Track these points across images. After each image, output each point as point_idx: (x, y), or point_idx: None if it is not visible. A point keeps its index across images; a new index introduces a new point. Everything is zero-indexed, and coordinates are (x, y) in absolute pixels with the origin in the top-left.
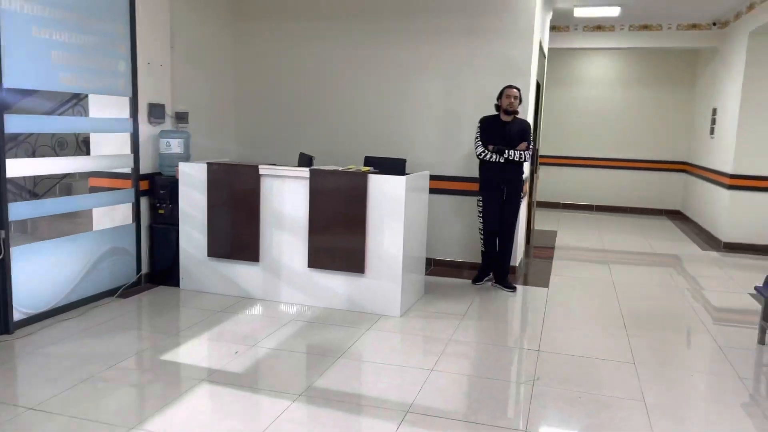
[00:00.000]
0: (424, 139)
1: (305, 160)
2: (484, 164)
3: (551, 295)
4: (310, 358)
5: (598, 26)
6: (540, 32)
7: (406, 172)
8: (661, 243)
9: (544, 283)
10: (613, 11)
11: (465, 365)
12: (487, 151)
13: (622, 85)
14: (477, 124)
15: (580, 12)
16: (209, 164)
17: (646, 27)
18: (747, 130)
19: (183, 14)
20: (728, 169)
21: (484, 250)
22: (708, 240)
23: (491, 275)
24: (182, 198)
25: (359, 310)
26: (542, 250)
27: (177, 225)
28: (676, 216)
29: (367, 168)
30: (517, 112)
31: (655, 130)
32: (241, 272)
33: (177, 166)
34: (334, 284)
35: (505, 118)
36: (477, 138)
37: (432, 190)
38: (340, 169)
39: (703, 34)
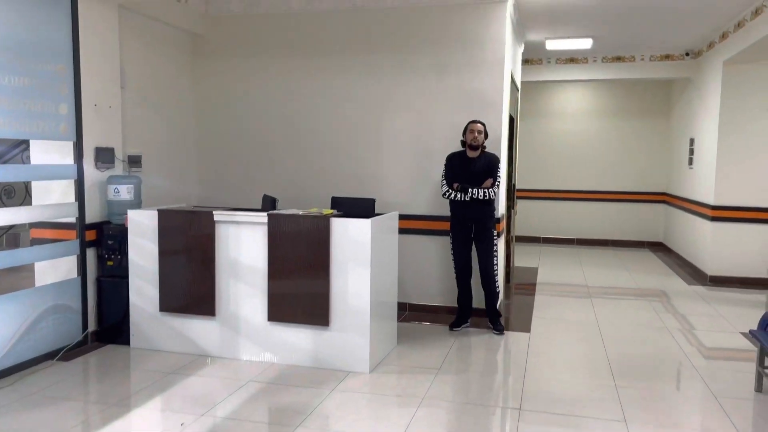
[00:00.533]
0: (394, 177)
1: (269, 203)
2: (451, 203)
3: (533, 341)
4: (269, 427)
5: (571, 59)
6: (511, 65)
7: (376, 211)
8: (645, 277)
9: (526, 326)
10: (585, 43)
11: (439, 430)
12: (451, 190)
13: (598, 116)
14: (444, 162)
15: (552, 45)
16: (160, 211)
17: (618, 58)
18: (726, 160)
19: (136, 52)
20: (710, 200)
21: (458, 290)
22: (693, 273)
23: (469, 322)
24: (132, 248)
25: (325, 366)
26: (523, 288)
27: (127, 277)
28: (659, 248)
29: (329, 210)
30: (483, 147)
31: (634, 161)
32: (196, 328)
33: (126, 213)
34: (297, 339)
35: (471, 153)
36: (443, 176)
37: (404, 230)
38: (301, 212)
39: (677, 64)
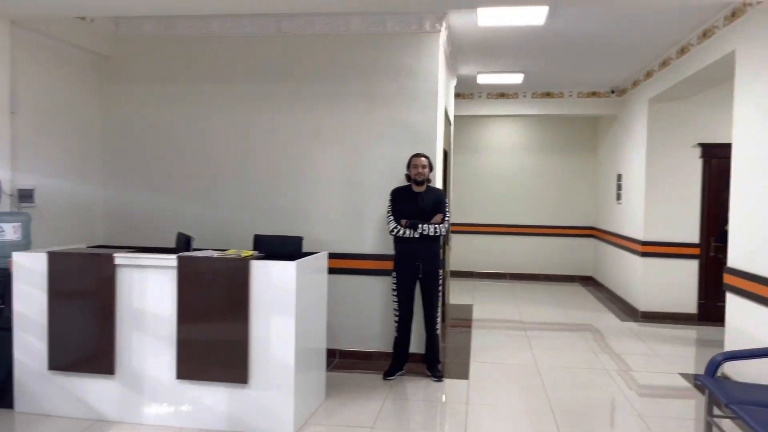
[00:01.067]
0: (324, 213)
1: (183, 242)
2: (397, 240)
3: (473, 389)
4: None
5: (502, 93)
6: (445, 98)
7: (304, 250)
8: (578, 313)
9: (464, 372)
10: (516, 78)
11: None
12: (399, 227)
13: (529, 151)
14: (388, 197)
15: (483, 79)
16: (50, 253)
17: (548, 94)
18: (654, 195)
19: (33, 74)
20: (639, 235)
21: (397, 335)
22: (624, 309)
23: (404, 369)
24: (17, 296)
25: (243, 430)
26: (458, 327)
27: (11, 330)
28: (588, 282)
29: (249, 252)
30: (428, 181)
31: (563, 195)
32: (92, 388)
33: (11, 257)
34: (211, 399)
35: (416, 188)
36: (389, 212)
37: (334, 270)
38: (216, 254)
39: (603, 101)
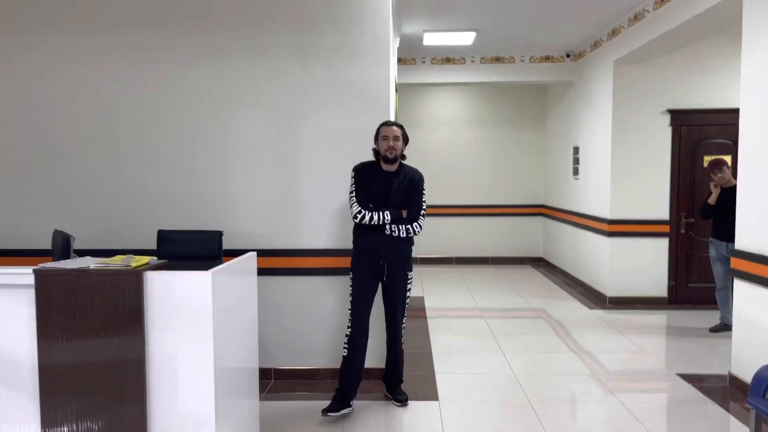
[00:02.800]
0: (249, 201)
1: (59, 243)
2: (359, 231)
3: (447, 415)
4: None
5: (448, 58)
6: (392, 57)
7: (225, 247)
8: (541, 301)
9: (431, 391)
10: (467, 38)
11: None
12: (366, 212)
13: (473, 124)
14: (351, 174)
15: (430, 39)
16: None
17: (498, 59)
18: (621, 169)
19: None
20: (605, 214)
21: (345, 354)
22: (587, 294)
23: (352, 406)
24: None
25: None
26: (414, 325)
27: None
28: (540, 263)
29: (144, 259)
30: (401, 158)
31: (509, 172)
32: None
33: None
34: None
35: (386, 167)
36: (352, 193)
37: (265, 271)
38: (93, 265)
39: (557, 67)
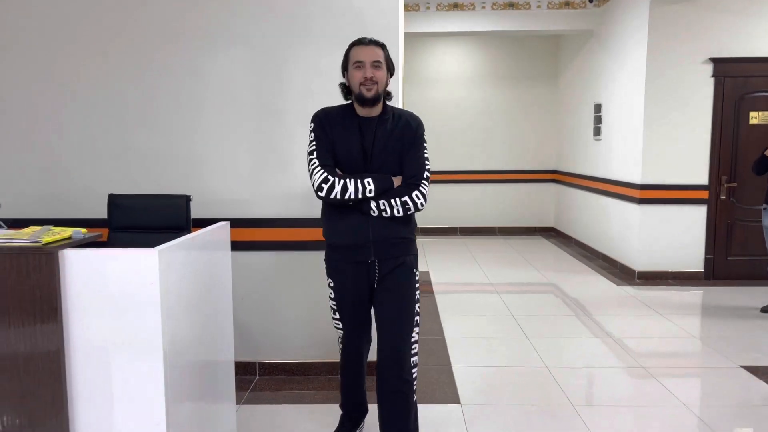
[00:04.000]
0: (223, 159)
1: None
2: (329, 210)
3: (474, 424)
4: None
5: (455, 3)
6: None
7: (195, 216)
8: (559, 276)
9: (450, 391)
10: None
11: None
12: (336, 182)
13: (479, 81)
14: (309, 127)
15: None
16: None
17: (511, 5)
18: (656, 128)
19: None
20: (635, 178)
21: (341, 376)
22: (610, 267)
23: (363, 424)
24: None
25: None
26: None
27: None
28: (551, 234)
29: (64, 233)
30: (387, 97)
31: (519, 134)
32: None
33: None
34: None
35: (363, 111)
36: (311, 155)
37: (245, 245)
38: None
39: (578, 13)
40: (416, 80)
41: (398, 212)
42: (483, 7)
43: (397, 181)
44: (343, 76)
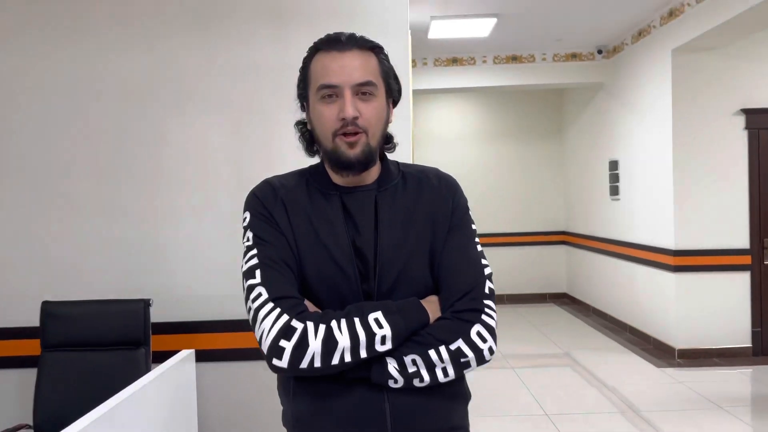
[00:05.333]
0: (195, 246)
1: None
2: (299, 382)
3: None
4: None
5: (455, 59)
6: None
7: (157, 320)
8: (586, 354)
9: None
10: (485, 26)
11: None
12: (307, 327)
13: (481, 138)
14: (243, 218)
15: (438, 29)
16: None
17: (514, 58)
18: (685, 185)
19: None
20: (667, 243)
21: None
22: (641, 342)
23: None
24: None
25: None
26: None
27: None
28: (564, 300)
29: None
30: (384, 147)
31: (525, 193)
32: None
33: None
34: None
35: (345, 177)
36: (250, 277)
37: (220, 354)
38: None
39: (585, 66)
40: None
41: (445, 374)
42: (484, 61)
43: (431, 308)
44: (302, 109)
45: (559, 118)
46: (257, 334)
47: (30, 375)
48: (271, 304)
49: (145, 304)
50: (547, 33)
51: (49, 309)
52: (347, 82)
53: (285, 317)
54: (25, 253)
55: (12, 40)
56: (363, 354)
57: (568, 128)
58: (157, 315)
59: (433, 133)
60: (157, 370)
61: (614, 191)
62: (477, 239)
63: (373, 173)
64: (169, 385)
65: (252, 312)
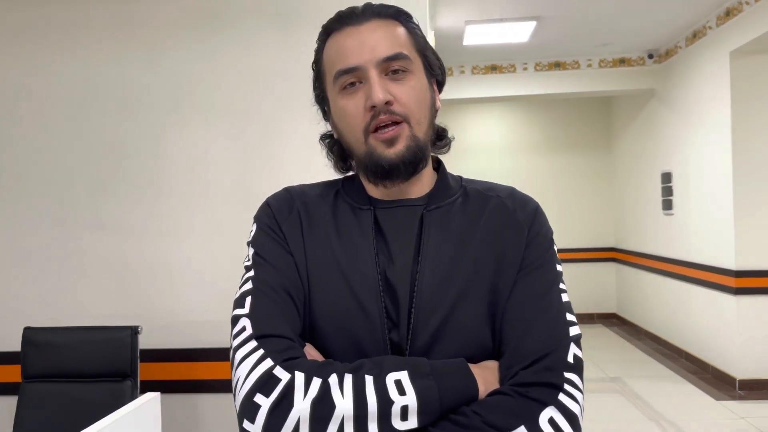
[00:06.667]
0: (193, 265)
1: None
2: None
3: None
4: None
5: (493, 66)
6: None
7: (147, 347)
8: (640, 384)
9: None
10: (524, 30)
11: None
12: (294, 380)
13: (522, 149)
14: (250, 231)
15: (473, 35)
16: None
17: (557, 65)
18: (747, 200)
19: None
20: (727, 262)
21: None
22: (697, 370)
23: None
24: None
25: None
26: None
27: None
28: (613, 321)
29: None
30: (437, 146)
31: (568, 208)
32: None
33: None
34: None
35: (385, 190)
36: (240, 306)
37: (219, 385)
38: None
39: (634, 71)
40: (451, 150)
41: None
42: (525, 69)
43: (485, 376)
44: (324, 117)
45: (607, 128)
46: (233, 384)
47: (11, 403)
48: (253, 343)
49: (133, 331)
50: (592, 37)
51: (30, 336)
52: (370, 60)
53: (268, 363)
54: (13, 271)
55: (9, 50)
56: (372, 429)
57: (617, 138)
58: (153, 341)
59: (471, 144)
60: (119, 413)
61: (667, 205)
62: (563, 285)
63: (424, 184)
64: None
65: (231, 352)
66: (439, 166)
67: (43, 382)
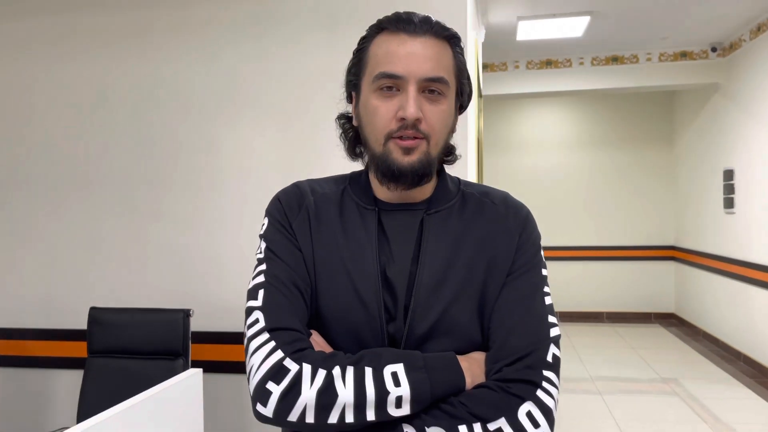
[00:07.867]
0: (241, 255)
1: None
2: None
3: None
4: None
5: (548, 60)
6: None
7: (199, 329)
8: (697, 386)
9: None
10: (578, 25)
11: None
12: (302, 371)
13: (580, 145)
14: (262, 224)
15: (526, 30)
16: None
17: (615, 59)
18: None
19: None
20: None
21: None
22: (758, 375)
23: None
24: None
25: None
26: None
27: None
28: (671, 321)
29: None
30: (444, 159)
31: (628, 205)
32: None
33: None
34: None
35: (389, 192)
36: (253, 298)
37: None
38: None
39: (697, 65)
40: (499, 145)
41: None
42: (581, 63)
43: (472, 368)
44: (348, 100)
45: (669, 124)
46: (246, 370)
47: (77, 377)
48: (266, 335)
49: (185, 314)
50: (650, 30)
51: (95, 315)
52: (414, 75)
53: (278, 354)
54: (83, 257)
55: (86, 54)
56: (370, 416)
57: (679, 134)
58: (203, 323)
59: (525, 140)
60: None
61: (728, 203)
62: (547, 288)
63: (426, 190)
64: (172, 397)
65: (245, 341)
66: (440, 169)
67: (105, 357)
